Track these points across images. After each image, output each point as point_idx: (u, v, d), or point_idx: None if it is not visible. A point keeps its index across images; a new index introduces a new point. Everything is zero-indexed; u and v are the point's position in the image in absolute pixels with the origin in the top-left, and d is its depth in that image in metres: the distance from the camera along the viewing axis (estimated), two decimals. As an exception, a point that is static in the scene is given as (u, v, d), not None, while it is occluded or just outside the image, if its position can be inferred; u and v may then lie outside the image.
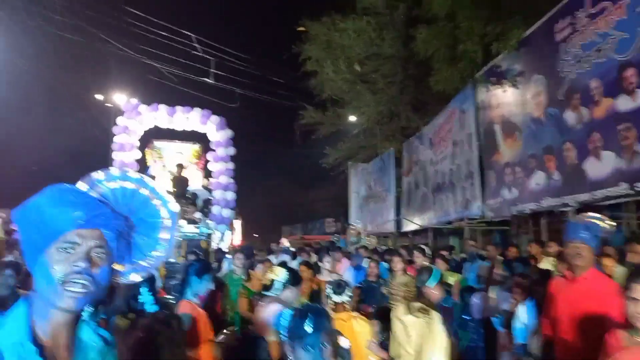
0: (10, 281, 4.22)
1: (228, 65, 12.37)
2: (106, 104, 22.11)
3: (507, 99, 9.09)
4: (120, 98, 22.16)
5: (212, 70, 11.48)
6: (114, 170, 1.34)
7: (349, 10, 14.46)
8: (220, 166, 9.21)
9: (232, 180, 9.32)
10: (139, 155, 9.24)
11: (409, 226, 15.77)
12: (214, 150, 9.31)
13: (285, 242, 21.36)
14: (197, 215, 8.69)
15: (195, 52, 11.25)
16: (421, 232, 16.28)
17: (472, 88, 10.53)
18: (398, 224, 16.60)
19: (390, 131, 15.88)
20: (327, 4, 15.15)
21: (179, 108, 9.15)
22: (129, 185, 1.34)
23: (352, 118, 17.30)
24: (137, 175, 1.37)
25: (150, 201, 1.35)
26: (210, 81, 11.56)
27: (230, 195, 9.22)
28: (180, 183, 9.43)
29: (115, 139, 8.88)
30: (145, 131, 9.40)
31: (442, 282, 3.29)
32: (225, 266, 8.33)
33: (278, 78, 16.62)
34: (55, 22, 10.59)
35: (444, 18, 10.14)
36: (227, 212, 9.12)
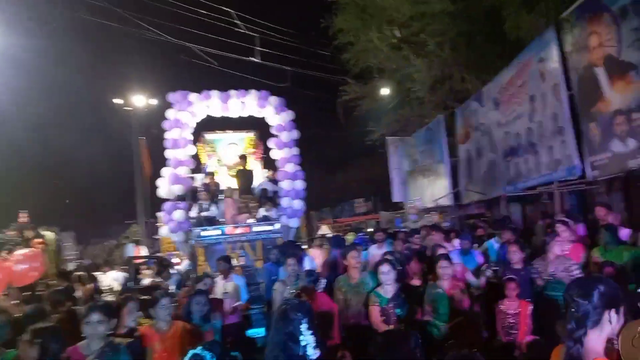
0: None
1: (271, 42, 11.20)
2: (124, 107, 21.16)
3: (613, 35, 7.73)
4: (139, 100, 21.18)
5: (257, 48, 10.29)
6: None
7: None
8: (285, 153, 8.11)
9: (299, 168, 8.21)
10: (193, 150, 8.17)
11: (472, 197, 14.55)
12: (275, 136, 8.19)
13: (325, 229, 20.15)
14: (272, 211, 7.63)
15: (233, 29, 10.00)
16: (486, 202, 15.09)
17: (553, 32, 9.17)
18: (457, 196, 15.39)
19: (441, 97, 14.54)
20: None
21: (232, 92, 8.02)
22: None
23: (386, 90, 16.04)
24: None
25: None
26: (257, 60, 10.37)
27: (300, 185, 8.12)
28: (245, 177, 8.38)
29: (167, 134, 7.81)
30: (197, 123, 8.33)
31: None
32: (308, 264, 7.26)
33: (312, 52, 15.31)
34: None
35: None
36: (298, 204, 8.03)
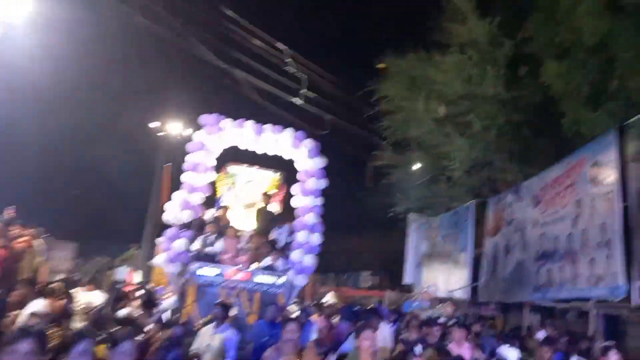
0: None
1: (316, 88, 10.95)
2: (158, 133, 21.17)
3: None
4: (173, 127, 21.22)
5: (302, 90, 10.03)
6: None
7: (440, 46, 13.04)
8: (308, 202, 7.43)
9: (319, 220, 7.50)
10: (213, 177, 7.60)
11: (492, 297, 13.40)
12: (301, 182, 7.58)
13: (331, 297, 18.75)
14: (280, 262, 6.85)
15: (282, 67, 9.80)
16: (502, 305, 13.90)
17: (615, 136, 8.58)
18: (474, 291, 14.26)
19: (476, 182, 13.89)
20: (414, 40, 13.79)
21: (267, 127, 7.55)
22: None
23: (420, 165, 15.51)
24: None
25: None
26: (300, 102, 10.09)
27: (316, 239, 7.37)
28: (265, 217, 7.69)
29: (188, 157, 7.28)
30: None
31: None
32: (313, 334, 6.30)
33: (353, 107, 15.11)
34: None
35: (588, 50, 8.39)
36: (309, 260, 7.23)
